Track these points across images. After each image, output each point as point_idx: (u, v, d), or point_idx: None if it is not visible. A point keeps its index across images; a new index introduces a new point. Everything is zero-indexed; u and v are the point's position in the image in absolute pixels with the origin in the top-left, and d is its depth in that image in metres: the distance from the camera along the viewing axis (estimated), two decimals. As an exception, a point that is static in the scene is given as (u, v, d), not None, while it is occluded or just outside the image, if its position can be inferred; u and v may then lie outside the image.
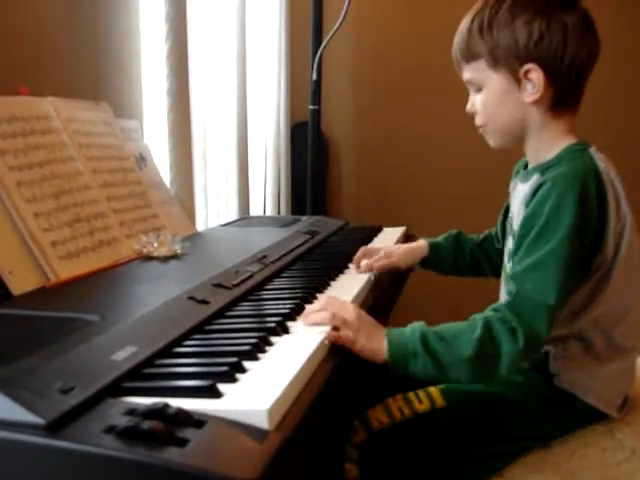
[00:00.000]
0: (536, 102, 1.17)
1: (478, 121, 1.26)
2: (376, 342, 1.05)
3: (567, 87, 1.18)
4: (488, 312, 1.09)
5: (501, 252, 1.47)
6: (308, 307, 1.08)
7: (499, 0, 1.19)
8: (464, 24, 1.23)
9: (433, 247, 1.53)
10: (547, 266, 1.07)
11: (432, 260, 1.53)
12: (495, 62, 1.18)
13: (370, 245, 1.65)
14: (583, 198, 1.09)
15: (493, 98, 1.21)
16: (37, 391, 0.68)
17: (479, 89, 1.23)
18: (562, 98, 1.19)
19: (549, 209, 1.09)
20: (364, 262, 1.44)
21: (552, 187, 1.10)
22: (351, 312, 1.06)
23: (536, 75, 1.15)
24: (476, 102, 1.25)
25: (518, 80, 1.17)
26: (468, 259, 1.52)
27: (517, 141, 1.25)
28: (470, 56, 1.22)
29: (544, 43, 1.15)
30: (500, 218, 1.46)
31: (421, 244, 1.54)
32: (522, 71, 1.16)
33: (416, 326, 1.08)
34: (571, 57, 1.16)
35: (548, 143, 1.20)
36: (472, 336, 1.05)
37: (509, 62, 1.17)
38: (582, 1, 1.20)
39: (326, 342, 0.96)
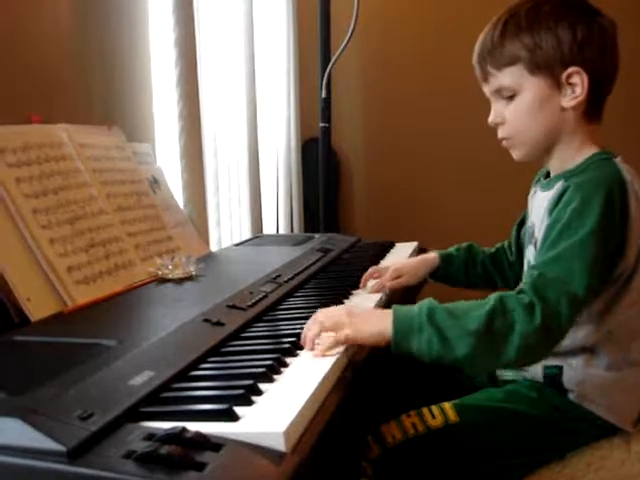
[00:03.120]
0: (574, 107, 1.16)
1: (504, 133, 1.23)
2: (380, 323, 1.03)
3: (601, 92, 1.18)
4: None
5: (514, 264, 1.47)
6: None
7: (534, 7, 1.17)
8: (492, 31, 1.20)
9: (444, 258, 1.50)
10: (571, 259, 1.05)
11: (444, 272, 1.51)
12: (535, 66, 1.16)
13: (381, 263, 1.64)
14: (607, 203, 1.08)
15: (529, 104, 1.18)
16: (57, 418, 0.69)
17: (511, 97, 1.19)
18: (595, 104, 1.18)
19: (572, 211, 1.08)
20: (372, 282, 1.44)
21: (576, 191, 1.10)
22: (338, 312, 1.05)
23: (579, 78, 1.14)
24: (505, 112, 1.21)
25: (558, 84, 1.16)
26: (480, 271, 1.51)
27: (545, 150, 1.22)
28: (506, 61, 1.18)
29: (588, 46, 1.14)
30: (514, 229, 1.46)
31: (432, 256, 1.52)
32: (565, 75, 1.15)
33: (425, 302, 1.05)
34: (609, 62, 1.17)
35: (574, 151, 1.20)
36: (483, 309, 1.02)
37: (551, 66, 1.15)
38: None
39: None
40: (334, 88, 2.74)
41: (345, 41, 2.53)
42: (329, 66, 2.66)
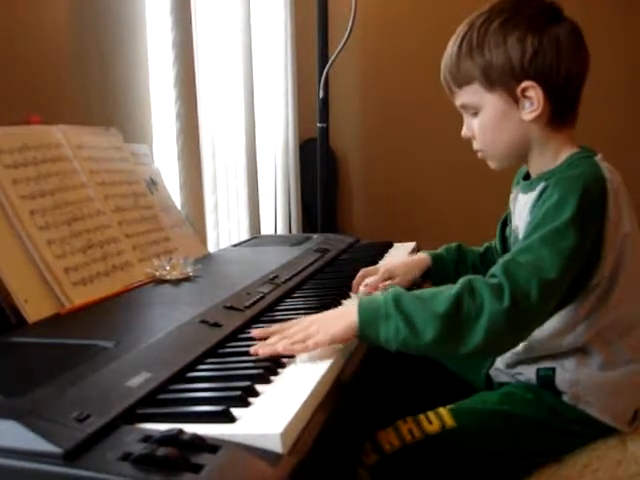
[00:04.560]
0: (535, 119, 1.16)
1: (477, 145, 1.24)
2: (347, 317, 1.02)
3: (564, 100, 1.18)
4: None
5: None
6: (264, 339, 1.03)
7: (486, 20, 1.17)
8: (451, 48, 1.21)
9: (435, 259, 1.49)
10: (541, 247, 1.05)
11: (434, 272, 1.49)
12: (490, 83, 1.17)
13: (379, 263, 1.63)
14: (584, 200, 1.07)
15: (491, 120, 1.19)
16: (54, 420, 0.69)
17: (475, 113, 1.21)
18: (561, 111, 1.18)
19: (548, 207, 1.09)
20: (365, 282, 1.41)
21: (554, 188, 1.10)
22: (303, 323, 1.03)
23: (534, 92, 1.14)
24: (473, 126, 1.23)
25: (515, 99, 1.16)
26: (470, 272, 1.45)
27: (520, 160, 1.24)
28: (463, 80, 1.20)
29: (539, 59, 1.14)
30: (499, 228, 1.45)
31: (423, 256, 1.51)
32: (519, 89, 1.15)
33: (390, 290, 1.05)
34: (566, 70, 1.15)
35: (552, 156, 1.20)
36: (450, 292, 1.01)
37: (505, 82, 1.16)
38: (573, 9, 1.19)
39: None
40: (332, 88, 2.74)
41: (343, 41, 2.54)
42: (327, 66, 2.66)
